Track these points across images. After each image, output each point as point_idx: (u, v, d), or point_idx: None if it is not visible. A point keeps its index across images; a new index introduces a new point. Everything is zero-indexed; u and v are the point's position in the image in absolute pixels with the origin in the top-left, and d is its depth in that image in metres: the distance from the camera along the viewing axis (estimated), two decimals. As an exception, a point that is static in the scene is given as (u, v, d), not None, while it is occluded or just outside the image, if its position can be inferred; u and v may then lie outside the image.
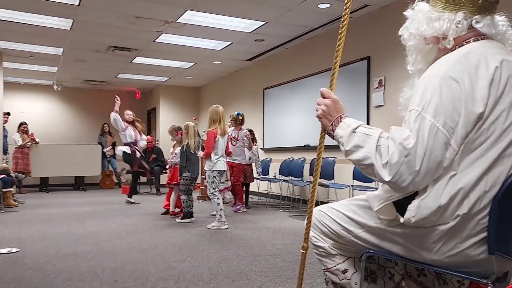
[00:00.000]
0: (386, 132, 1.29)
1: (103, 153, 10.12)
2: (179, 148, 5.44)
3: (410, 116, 1.24)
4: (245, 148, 6.25)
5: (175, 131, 5.91)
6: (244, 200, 6.22)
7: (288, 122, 7.52)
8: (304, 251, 1.51)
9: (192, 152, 5.18)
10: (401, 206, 1.31)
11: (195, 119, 5.81)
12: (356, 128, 1.31)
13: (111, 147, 10.42)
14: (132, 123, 6.89)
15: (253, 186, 7.58)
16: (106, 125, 10.50)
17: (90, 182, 10.55)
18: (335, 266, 1.55)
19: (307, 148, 6.93)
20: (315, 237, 1.57)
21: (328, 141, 1.47)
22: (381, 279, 1.57)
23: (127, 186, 9.04)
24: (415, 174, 1.20)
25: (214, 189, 4.79)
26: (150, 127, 12.13)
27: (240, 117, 6.24)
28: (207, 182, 4.88)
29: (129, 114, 6.87)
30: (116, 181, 10.54)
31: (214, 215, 5.68)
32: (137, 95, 11.68)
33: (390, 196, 1.34)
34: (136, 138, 6.90)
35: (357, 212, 1.48)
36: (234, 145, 6.19)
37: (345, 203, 1.57)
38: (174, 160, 5.68)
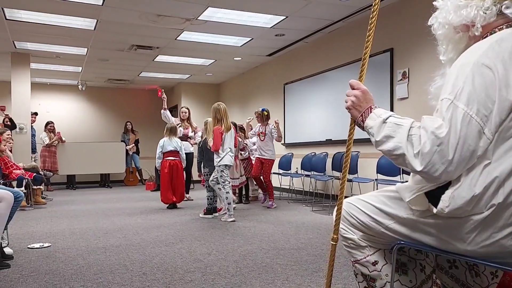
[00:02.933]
0: (417, 122, 1.28)
1: (126, 151, 10.32)
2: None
3: (442, 105, 1.23)
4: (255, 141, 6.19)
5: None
6: (273, 196, 6.24)
7: (309, 117, 7.49)
8: (334, 243, 1.51)
9: (209, 148, 5.24)
10: (433, 196, 1.30)
11: None
12: (386, 119, 1.31)
13: (133, 144, 10.60)
14: (187, 120, 6.96)
15: (274, 181, 7.58)
16: (129, 123, 10.68)
17: (115, 179, 10.79)
18: (365, 258, 1.54)
19: (329, 142, 6.88)
20: (344, 229, 1.57)
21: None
22: (412, 271, 1.56)
23: (151, 183, 9.20)
24: (448, 164, 1.19)
25: (223, 182, 4.89)
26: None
27: (266, 113, 6.26)
28: (216, 175, 5.02)
29: (184, 112, 6.94)
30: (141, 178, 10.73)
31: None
32: (160, 93, 11.81)
33: (422, 186, 1.33)
34: (186, 134, 6.95)
35: (388, 203, 1.47)
36: (262, 140, 6.22)
37: (374, 194, 1.56)
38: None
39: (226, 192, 4.86)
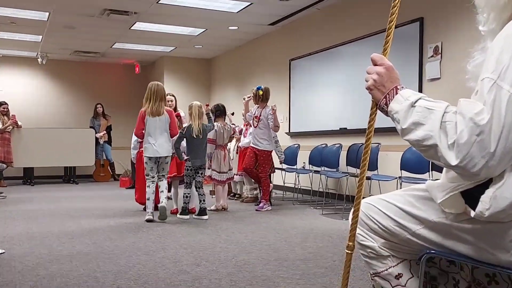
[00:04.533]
0: (453, 106, 1.28)
1: (96, 139, 10.31)
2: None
3: (483, 86, 1.23)
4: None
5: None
6: (269, 196, 6.26)
7: (320, 100, 7.49)
8: (350, 251, 1.53)
9: (195, 136, 5.35)
10: (471, 197, 1.31)
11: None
12: (415, 102, 1.31)
13: (105, 132, 10.60)
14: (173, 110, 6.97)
15: (277, 179, 7.62)
16: (99, 106, 10.67)
17: (82, 173, 10.81)
18: (386, 270, 1.56)
19: (343, 132, 6.90)
20: (362, 235, 1.58)
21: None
22: (443, 287, 1.57)
23: (126, 178, 9.22)
24: (489, 157, 1.19)
25: (146, 175, 5.19)
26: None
27: (261, 92, 6.20)
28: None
29: (170, 101, 6.91)
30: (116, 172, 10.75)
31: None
32: (137, 69, 11.79)
33: (457, 185, 1.34)
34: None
35: (415, 205, 1.48)
36: (255, 127, 6.20)
37: (399, 193, 1.57)
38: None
39: (147, 186, 5.15)
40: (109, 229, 4.71)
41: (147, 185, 5.20)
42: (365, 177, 1.52)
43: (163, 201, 5.15)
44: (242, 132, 7.13)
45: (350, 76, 6.75)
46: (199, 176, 5.48)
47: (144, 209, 5.62)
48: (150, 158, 5.18)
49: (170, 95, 6.44)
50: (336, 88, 7.11)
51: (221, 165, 5.94)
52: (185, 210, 5.39)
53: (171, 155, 5.31)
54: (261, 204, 6.07)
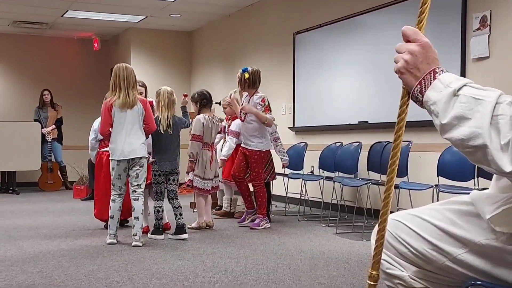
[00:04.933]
0: (508, 95, 1.28)
1: (43, 136, 10.29)
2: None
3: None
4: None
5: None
6: (266, 210, 6.25)
7: (333, 86, 7.51)
8: (373, 283, 1.53)
9: (163, 132, 5.32)
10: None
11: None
12: (459, 89, 1.31)
13: (54, 126, 10.56)
14: None
15: (278, 188, 7.63)
16: (47, 93, 10.65)
17: (25, 180, 10.78)
18: (419, 306, 1.57)
19: (363, 127, 6.91)
20: (389, 262, 1.59)
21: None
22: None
23: (81, 187, 9.20)
24: (553, 162, 1.20)
25: (112, 185, 5.13)
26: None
27: (247, 75, 6.11)
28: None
29: (139, 92, 6.86)
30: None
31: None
32: (96, 45, 11.75)
33: (511, 196, 1.34)
34: None
35: (457, 222, 1.49)
36: (243, 121, 6.19)
37: (436, 207, 1.58)
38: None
39: (112, 201, 5.09)
40: (60, 254, 4.68)
41: (111, 198, 5.12)
42: (393, 186, 1.52)
43: (137, 238, 4.99)
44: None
45: (373, 54, 6.77)
46: (171, 183, 5.47)
47: (106, 226, 5.62)
48: (119, 162, 5.07)
49: (140, 86, 6.39)
50: (354, 70, 7.12)
51: (206, 170, 5.92)
52: (158, 229, 5.39)
53: (147, 157, 5.23)
54: (257, 221, 6.07)
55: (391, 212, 1.56)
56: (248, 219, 6.31)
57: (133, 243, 4.97)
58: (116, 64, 5.25)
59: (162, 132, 5.33)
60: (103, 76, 11.51)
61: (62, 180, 10.70)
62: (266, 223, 6.10)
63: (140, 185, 5.08)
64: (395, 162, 1.49)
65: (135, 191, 5.07)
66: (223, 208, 6.97)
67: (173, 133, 5.41)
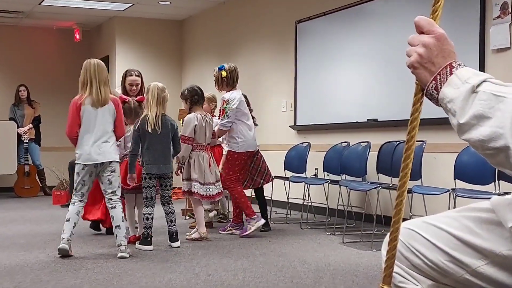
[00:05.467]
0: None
1: (19, 136, 10.26)
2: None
3: None
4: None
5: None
6: (241, 216, 6.32)
7: (338, 80, 7.51)
8: (384, 298, 1.53)
9: (151, 131, 5.33)
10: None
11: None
12: (478, 85, 1.31)
13: (31, 125, 10.54)
14: (138, 95, 6.89)
15: (278, 192, 7.62)
16: (23, 89, 10.62)
17: (-1, 185, 10.77)
18: (435, 323, 1.57)
19: (372, 125, 6.92)
20: (402, 275, 1.59)
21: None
22: None
23: (62, 192, 9.19)
24: None
25: (74, 190, 5.18)
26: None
27: (224, 73, 6.23)
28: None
29: (134, 82, 6.78)
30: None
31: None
32: (77, 36, 11.72)
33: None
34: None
35: (476, 231, 1.49)
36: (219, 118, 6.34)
37: (453, 215, 1.58)
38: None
39: (71, 203, 5.15)
40: (39, 267, 4.67)
41: (71, 202, 5.15)
42: (406, 192, 1.52)
43: (123, 249, 4.99)
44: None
45: (383, 46, 6.76)
46: (163, 189, 5.52)
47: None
48: (84, 167, 5.05)
49: (134, 74, 6.34)
50: (362, 62, 7.12)
51: (206, 174, 5.92)
52: (147, 238, 5.41)
53: (118, 161, 5.23)
54: (244, 228, 6.16)
55: (403, 220, 1.56)
56: (229, 229, 6.39)
57: (119, 255, 4.96)
58: (86, 60, 5.24)
59: (150, 131, 5.32)
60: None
61: (40, 185, 10.69)
62: (255, 221, 6.11)
63: (115, 191, 5.09)
64: (408, 165, 1.49)
65: (111, 199, 5.08)
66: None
67: (162, 133, 5.39)
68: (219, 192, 6.02)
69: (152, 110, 5.38)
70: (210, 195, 5.91)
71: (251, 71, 9.15)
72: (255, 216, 6.16)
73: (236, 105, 6.19)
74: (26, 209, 8.70)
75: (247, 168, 6.52)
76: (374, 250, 5.33)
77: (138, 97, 6.13)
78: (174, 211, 5.52)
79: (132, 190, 5.72)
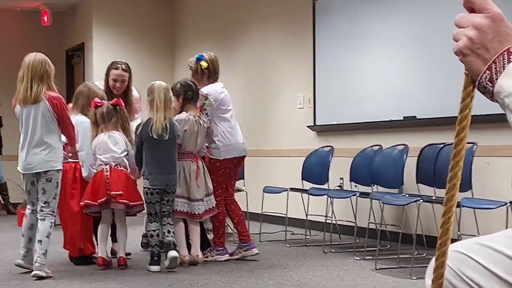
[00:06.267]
0: None
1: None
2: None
3: None
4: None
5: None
6: (223, 237, 6.37)
7: (366, 71, 7.52)
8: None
9: (156, 137, 5.49)
10: None
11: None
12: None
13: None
14: (124, 93, 6.91)
15: (294, 208, 7.62)
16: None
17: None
18: None
19: (410, 124, 6.92)
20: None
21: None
22: None
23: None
24: None
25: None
26: (70, 83, 12.33)
27: (205, 64, 6.27)
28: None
29: (121, 77, 6.77)
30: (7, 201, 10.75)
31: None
32: (46, 19, 11.76)
33: None
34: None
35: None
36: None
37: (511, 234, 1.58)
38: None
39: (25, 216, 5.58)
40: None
41: (25, 213, 5.62)
42: (455, 205, 1.53)
43: (37, 266, 5.28)
44: None
45: (422, 28, 6.77)
46: (164, 204, 5.68)
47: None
48: (23, 175, 5.54)
49: (122, 69, 6.32)
50: (396, 48, 7.13)
51: (191, 188, 5.97)
52: (154, 258, 5.61)
53: (56, 169, 5.47)
54: (214, 252, 6.23)
55: (453, 241, 1.57)
56: (238, 253, 6.38)
57: (33, 273, 5.30)
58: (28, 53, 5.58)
59: (156, 137, 5.47)
60: (57, 60, 11.43)
61: (3, 202, 10.74)
62: (217, 253, 6.21)
63: (49, 203, 5.40)
64: (457, 175, 1.50)
65: (42, 210, 5.39)
66: None
67: (169, 139, 5.55)
68: (209, 209, 6.05)
69: (159, 113, 5.52)
70: (196, 213, 5.97)
71: (259, 59, 9.18)
72: (221, 249, 6.24)
73: (218, 101, 6.21)
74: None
75: (236, 178, 6.57)
76: (414, 278, 5.32)
77: (114, 99, 6.02)
78: (171, 223, 5.69)
79: (102, 206, 5.76)
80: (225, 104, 6.33)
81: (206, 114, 6.17)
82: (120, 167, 5.71)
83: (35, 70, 5.40)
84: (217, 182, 6.30)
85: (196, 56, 6.39)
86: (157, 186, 5.57)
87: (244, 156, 6.54)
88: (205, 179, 6.09)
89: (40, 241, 5.29)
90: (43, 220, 5.35)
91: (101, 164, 5.69)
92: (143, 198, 5.72)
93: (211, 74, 6.32)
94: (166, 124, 5.52)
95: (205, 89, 6.23)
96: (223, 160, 6.28)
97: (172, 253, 5.51)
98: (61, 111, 5.39)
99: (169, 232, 5.65)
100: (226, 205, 6.41)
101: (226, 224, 6.58)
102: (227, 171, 6.34)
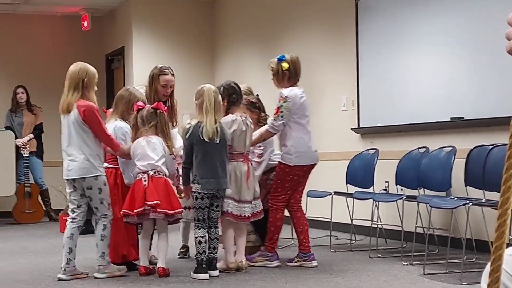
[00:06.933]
0: None
1: (17, 149, 10.40)
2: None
3: None
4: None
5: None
6: (276, 244, 6.37)
7: (412, 71, 7.48)
8: None
9: (208, 140, 5.55)
10: None
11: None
12: None
13: (32, 135, 10.64)
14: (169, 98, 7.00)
15: (339, 213, 7.58)
16: (21, 91, 10.75)
17: (-5, 210, 10.94)
18: None
19: (458, 125, 6.88)
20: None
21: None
22: None
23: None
24: None
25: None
26: (110, 88, 12.42)
27: (286, 65, 6.22)
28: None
29: (169, 82, 6.93)
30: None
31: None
32: (85, 24, 11.83)
33: None
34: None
35: None
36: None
37: None
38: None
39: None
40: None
41: (67, 222, 5.81)
42: (510, 208, 1.50)
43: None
44: None
45: (472, 25, 6.71)
46: (213, 210, 5.71)
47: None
48: (65, 181, 5.80)
49: (170, 74, 6.36)
50: (443, 47, 7.06)
51: (242, 189, 5.97)
52: (201, 265, 5.65)
53: (93, 176, 5.62)
54: (266, 256, 6.22)
55: (509, 245, 1.54)
56: (296, 261, 6.32)
57: (94, 274, 5.72)
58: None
59: (207, 140, 5.51)
60: (97, 64, 11.48)
61: (45, 209, 10.82)
62: (267, 258, 6.20)
63: (97, 208, 5.69)
64: None
65: (95, 214, 5.75)
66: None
67: (220, 142, 5.61)
68: (256, 212, 6.03)
69: (209, 116, 5.57)
70: (244, 215, 5.95)
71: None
72: (271, 254, 6.22)
73: (296, 105, 6.18)
74: (29, 238, 8.79)
75: (304, 185, 6.49)
76: (465, 283, 5.24)
77: (156, 103, 6.05)
78: (218, 237, 5.70)
79: (141, 217, 5.79)
80: (303, 109, 6.29)
81: (281, 116, 6.14)
82: (159, 174, 5.73)
83: (71, 79, 5.63)
84: (283, 188, 6.27)
85: (278, 56, 6.36)
86: (209, 191, 5.58)
87: (315, 164, 6.46)
88: (254, 182, 6.10)
89: (96, 244, 5.65)
90: (97, 223, 5.69)
91: (139, 172, 5.72)
92: (193, 203, 5.77)
93: (292, 75, 6.28)
94: (216, 128, 5.56)
95: (285, 91, 6.19)
96: (293, 167, 6.23)
97: (215, 274, 5.61)
98: (89, 119, 5.55)
99: (214, 248, 5.69)
100: (292, 212, 6.39)
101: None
102: (295, 178, 6.30)
